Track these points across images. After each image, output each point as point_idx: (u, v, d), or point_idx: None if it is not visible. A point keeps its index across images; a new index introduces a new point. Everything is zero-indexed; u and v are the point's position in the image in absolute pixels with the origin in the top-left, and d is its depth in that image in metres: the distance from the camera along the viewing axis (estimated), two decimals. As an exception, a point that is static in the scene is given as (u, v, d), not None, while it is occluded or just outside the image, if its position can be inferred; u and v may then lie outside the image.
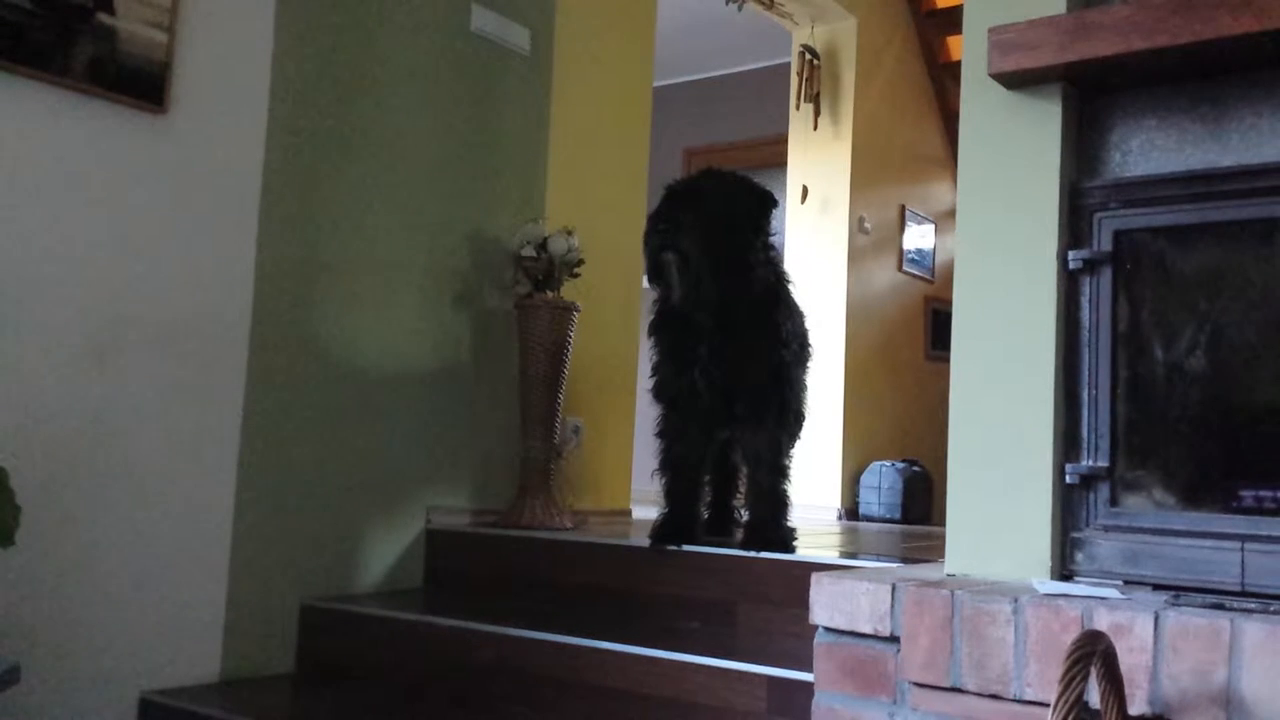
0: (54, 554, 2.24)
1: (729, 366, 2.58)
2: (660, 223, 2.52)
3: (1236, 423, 1.80)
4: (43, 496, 2.20)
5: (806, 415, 2.79)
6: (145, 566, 2.40)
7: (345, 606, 2.67)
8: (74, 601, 2.28)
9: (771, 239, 2.65)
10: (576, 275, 3.21)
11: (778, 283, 2.65)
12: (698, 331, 2.58)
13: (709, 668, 2.09)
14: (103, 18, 2.32)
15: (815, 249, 5.32)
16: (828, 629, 1.75)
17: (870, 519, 5.03)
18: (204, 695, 2.40)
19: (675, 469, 2.70)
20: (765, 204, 2.61)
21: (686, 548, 2.60)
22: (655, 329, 2.70)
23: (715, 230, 2.51)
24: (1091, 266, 1.83)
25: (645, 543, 2.65)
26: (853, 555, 2.58)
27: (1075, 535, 1.81)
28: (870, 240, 5.45)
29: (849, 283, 5.26)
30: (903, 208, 5.75)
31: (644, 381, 2.89)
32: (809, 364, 2.81)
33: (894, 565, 2.16)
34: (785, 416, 2.65)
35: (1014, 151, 1.89)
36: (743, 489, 2.94)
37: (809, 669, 1.79)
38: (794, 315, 2.71)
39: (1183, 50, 1.69)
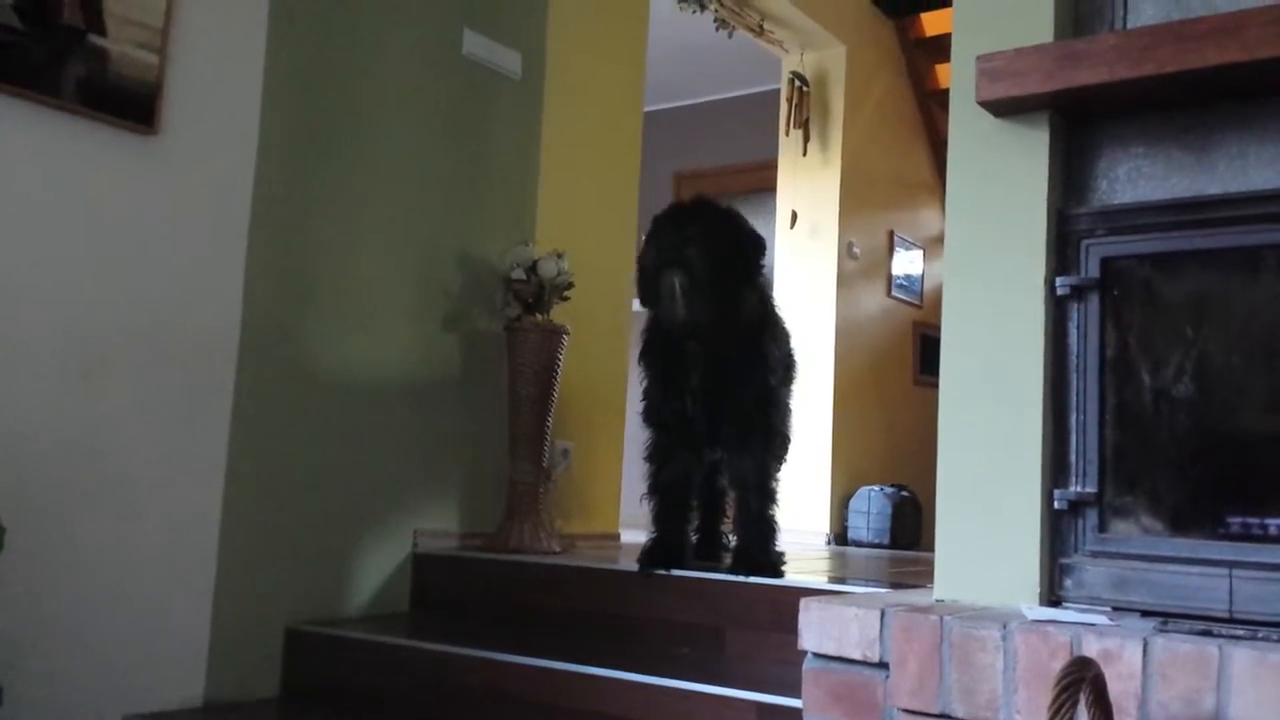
0: (38, 574, 2.22)
1: (718, 392, 2.58)
2: (667, 240, 2.50)
3: (1224, 449, 1.81)
4: (27, 515, 2.18)
5: (792, 437, 2.79)
6: (130, 588, 2.38)
7: (331, 630, 2.65)
8: (58, 622, 2.26)
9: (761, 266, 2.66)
10: (566, 298, 3.21)
11: (764, 307, 2.66)
12: (688, 357, 2.58)
13: (697, 693, 2.08)
14: (94, 39, 2.32)
15: (804, 274, 5.33)
16: (816, 654, 1.74)
17: (859, 544, 5.02)
18: (187, 719, 2.38)
19: (664, 493, 2.69)
20: (760, 246, 2.62)
21: (675, 572, 2.59)
22: (645, 354, 2.70)
23: (719, 255, 2.50)
24: (1079, 293, 1.84)
25: (634, 567, 2.64)
26: (841, 580, 2.58)
27: (1064, 561, 1.81)
28: (859, 266, 5.46)
29: (838, 308, 5.27)
30: (891, 233, 5.77)
31: (633, 405, 2.89)
32: (794, 385, 2.81)
33: (883, 591, 2.16)
34: (772, 440, 2.65)
35: (1002, 178, 1.90)
36: (730, 513, 2.94)
37: (798, 695, 1.78)
38: (780, 339, 2.71)
39: (1170, 79, 1.71)
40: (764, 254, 2.63)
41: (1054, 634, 1.52)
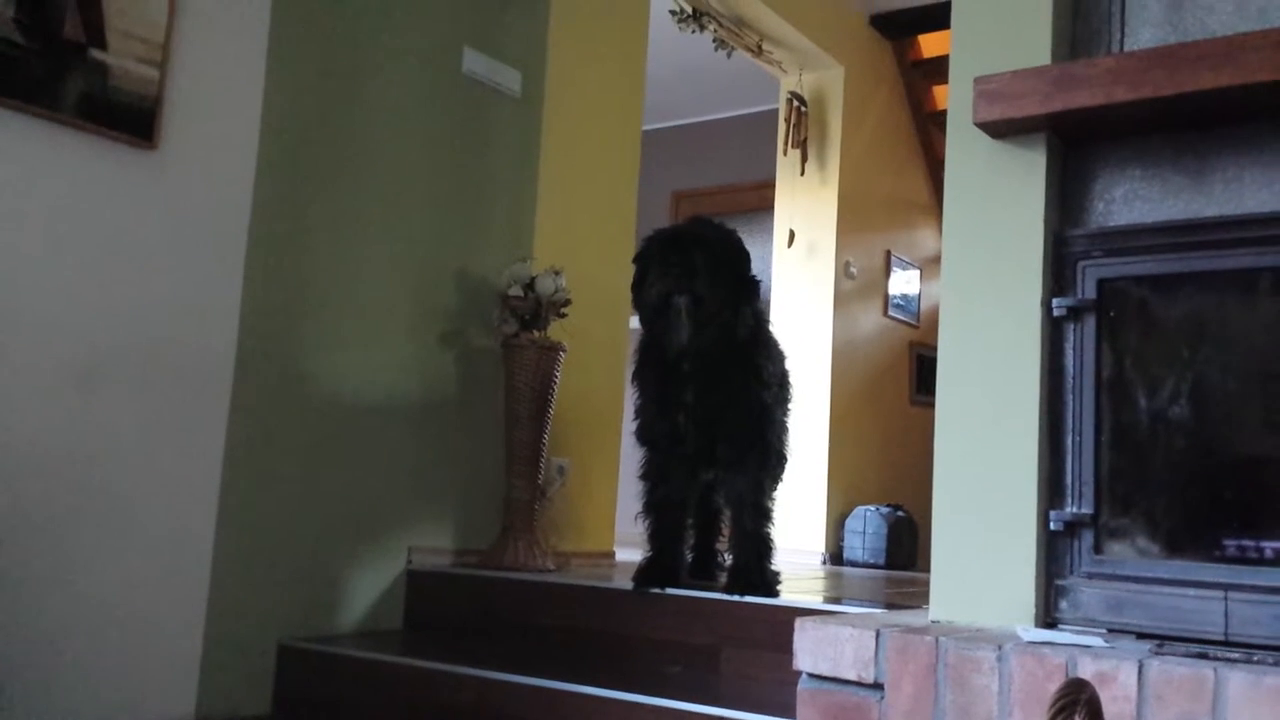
0: (30, 586, 2.21)
1: (712, 409, 2.58)
2: (672, 266, 2.50)
3: (1220, 471, 1.81)
4: (20, 528, 2.17)
5: (788, 456, 2.79)
6: (123, 601, 2.37)
7: (323, 647, 2.64)
8: (50, 636, 2.24)
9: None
10: (563, 315, 3.21)
11: (757, 324, 2.66)
12: (681, 375, 2.58)
13: (692, 714, 2.07)
14: (95, 53, 2.33)
15: (801, 293, 5.34)
16: (811, 675, 1.74)
17: (854, 564, 5.01)
18: (178, 736, 2.37)
19: (659, 511, 2.69)
20: (748, 256, 2.63)
21: (670, 591, 2.59)
22: (639, 372, 2.70)
23: (721, 277, 2.51)
24: (1076, 314, 1.84)
25: (629, 585, 2.64)
26: (837, 600, 2.57)
27: (1059, 583, 1.80)
28: (856, 285, 5.48)
29: (834, 327, 5.28)
30: (888, 253, 5.79)
31: (629, 423, 2.89)
32: (790, 404, 2.81)
33: (878, 611, 2.15)
34: (767, 458, 2.65)
35: (999, 199, 1.90)
36: (726, 532, 2.93)
37: (792, 715, 1.77)
38: (774, 357, 2.71)
39: (1166, 103, 1.72)
40: (750, 263, 2.64)
41: (1049, 656, 1.51)
